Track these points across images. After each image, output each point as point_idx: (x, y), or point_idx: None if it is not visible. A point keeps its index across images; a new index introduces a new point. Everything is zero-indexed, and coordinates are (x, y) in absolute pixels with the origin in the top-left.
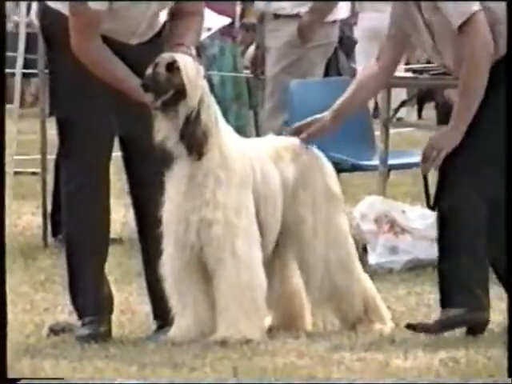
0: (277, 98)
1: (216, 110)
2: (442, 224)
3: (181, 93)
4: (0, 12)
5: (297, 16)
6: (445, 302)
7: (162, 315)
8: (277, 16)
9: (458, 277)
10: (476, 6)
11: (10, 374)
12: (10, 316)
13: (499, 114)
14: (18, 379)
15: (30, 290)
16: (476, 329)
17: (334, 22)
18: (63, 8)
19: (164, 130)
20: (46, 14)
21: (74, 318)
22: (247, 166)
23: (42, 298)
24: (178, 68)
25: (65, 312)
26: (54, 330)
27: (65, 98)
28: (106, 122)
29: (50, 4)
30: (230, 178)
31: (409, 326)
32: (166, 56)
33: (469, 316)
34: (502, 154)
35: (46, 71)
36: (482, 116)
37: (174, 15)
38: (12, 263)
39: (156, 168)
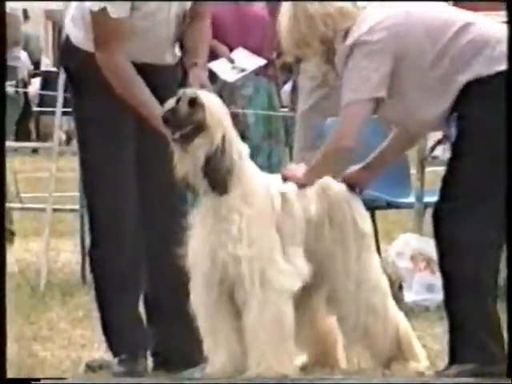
0: (305, 136)
1: (240, 146)
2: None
3: (201, 128)
4: (0, 12)
5: None
6: (454, 356)
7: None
8: None
9: (467, 326)
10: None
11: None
12: (47, 353)
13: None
14: (18, 379)
15: (67, 326)
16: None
17: None
18: (86, 43)
19: (184, 166)
20: (68, 52)
21: (110, 355)
22: (270, 203)
23: (79, 335)
24: (200, 104)
25: (101, 349)
26: (91, 367)
27: (92, 156)
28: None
29: (73, 41)
30: (254, 214)
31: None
32: (189, 91)
33: (480, 371)
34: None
35: None
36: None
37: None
38: (50, 300)
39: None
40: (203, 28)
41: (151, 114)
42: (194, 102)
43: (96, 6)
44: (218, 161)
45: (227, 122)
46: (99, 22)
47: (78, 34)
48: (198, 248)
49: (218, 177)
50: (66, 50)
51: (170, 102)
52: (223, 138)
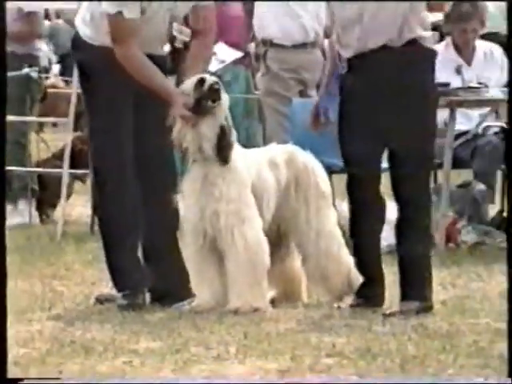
0: (271, 119)
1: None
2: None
3: (212, 108)
4: (0, 12)
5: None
6: (405, 294)
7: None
8: (272, 45)
9: (416, 269)
10: None
11: (12, 372)
12: (64, 288)
13: None
14: (18, 379)
15: (80, 267)
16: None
17: (298, 46)
18: (93, 38)
19: (192, 140)
20: (77, 46)
21: (115, 291)
22: (247, 170)
23: (90, 274)
24: (218, 89)
25: (108, 286)
26: (100, 300)
27: (98, 126)
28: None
29: (82, 36)
30: (235, 179)
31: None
32: (209, 78)
33: (422, 306)
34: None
35: None
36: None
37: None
38: (66, 246)
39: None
40: (205, 45)
41: (168, 92)
42: (215, 88)
43: (113, 10)
44: (227, 139)
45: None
46: (116, 23)
47: (86, 31)
48: (190, 206)
49: (227, 151)
50: (75, 44)
51: (190, 84)
52: (226, 119)
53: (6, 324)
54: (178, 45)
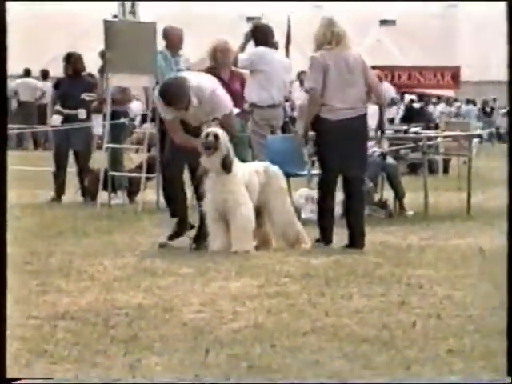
0: (255, 146)
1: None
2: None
3: (217, 148)
4: (0, 12)
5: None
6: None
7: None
8: (255, 106)
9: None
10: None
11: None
12: (142, 240)
13: None
14: (17, 379)
15: (151, 227)
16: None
17: (270, 106)
18: (165, 115)
19: (209, 163)
20: (155, 112)
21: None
22: (242, 175)
23: (156, 232)
24: (218, 136)
25: (165, 237)
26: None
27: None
28: (182, 163)
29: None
30: (235, 180)
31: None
32: (212, 129)
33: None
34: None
35: None
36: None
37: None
38: (143, 216)
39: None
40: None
41: (193, 144)
42: (216, 136)
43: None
44: (228, 161)
45: (228, 143)
46: (164, 118)
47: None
48: (209, 195)
49: (228, 167)
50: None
51: (203, 136)
52: (228, 151)
53: (5, 325)
54: None
